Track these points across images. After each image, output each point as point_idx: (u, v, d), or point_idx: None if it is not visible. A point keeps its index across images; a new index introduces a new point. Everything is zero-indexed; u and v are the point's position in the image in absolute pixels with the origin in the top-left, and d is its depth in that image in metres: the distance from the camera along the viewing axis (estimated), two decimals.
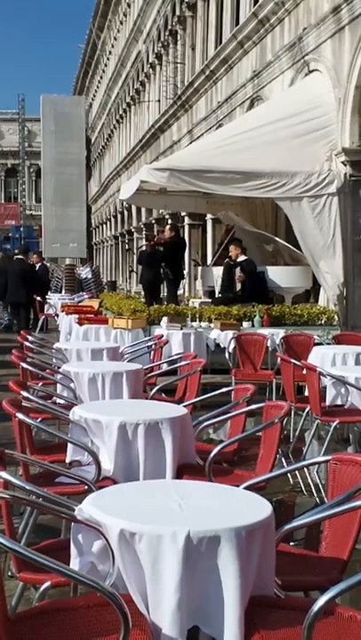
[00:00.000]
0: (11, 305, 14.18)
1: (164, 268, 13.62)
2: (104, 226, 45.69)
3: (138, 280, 16.81)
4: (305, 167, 11.03)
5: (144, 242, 14.61)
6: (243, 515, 2.62)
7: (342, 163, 11.18)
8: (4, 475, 2.85)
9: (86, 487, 3.54)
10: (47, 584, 2.75)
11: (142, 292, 15.21)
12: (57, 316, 16.66)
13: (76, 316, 11.57)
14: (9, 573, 2.97)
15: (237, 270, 11.58)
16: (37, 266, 19.98)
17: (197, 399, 5.50)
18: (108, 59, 43.76)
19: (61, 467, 4.00)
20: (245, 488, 3.14)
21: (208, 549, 2.43)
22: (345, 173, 11.13)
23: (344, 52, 11.43)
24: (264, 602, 2.58)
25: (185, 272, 16.08)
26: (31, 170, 63.93)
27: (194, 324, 10.49)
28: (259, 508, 2.68)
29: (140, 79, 32.37)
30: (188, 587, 2.41)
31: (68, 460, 4.23)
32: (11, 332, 14.96)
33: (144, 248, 14.88)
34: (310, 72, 12.84)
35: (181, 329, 9.84)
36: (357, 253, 11.30)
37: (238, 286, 11.55)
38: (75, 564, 2.67)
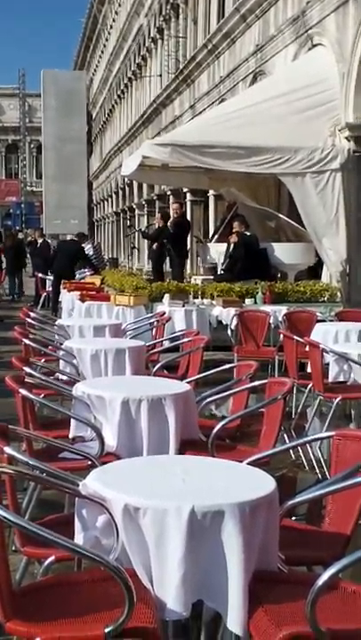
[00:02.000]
0: (57, 276, 15.80)
1: (167, 245, 13.62)
2: (105, 202, 45.49)
3: (148, 256, 17.27)
4: (308, 142, 10.95)
5: (158, 217, 14.91)
6: (246, 490, 2.62)
7: (346, 138, 11.09)
8: (9, 450, 2.86)
9: (90, 462, 3.55)
10: (51, 558, 2.77)
11: (146, 269, 15.27)
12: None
13: (79, 292, 11.55)
14: (13, 548, 2.98)
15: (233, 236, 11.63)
16: (39, 242, 19.99)
17: (200, 376, 5.49)
18: (109, 33, 43.32)
19: (65, 442, 4.01)
20: (249, 464, 3.15)
21: (212, 524, 2.43)
22: (348, 149, 11.05)
23: (348, 26, 11.29)
24: (268, 576, 2.59)
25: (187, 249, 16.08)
26: (32, 146, 63.53)
27: (196, 300, 10.47)
28: (262, 484, 2.68)
29: (141, 53, 32.07)
30: (192, 561, 2.42)
31: (71, 436, 4.23)
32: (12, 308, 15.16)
33: (156, 225, 14.96)
34: (314, 46, 12.70)
35: (184, 306, 9.82)
36: None
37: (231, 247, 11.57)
38: (79, 538, 2.69)
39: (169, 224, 13.62)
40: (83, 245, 16.98)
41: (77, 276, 16.16)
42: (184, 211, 13.80)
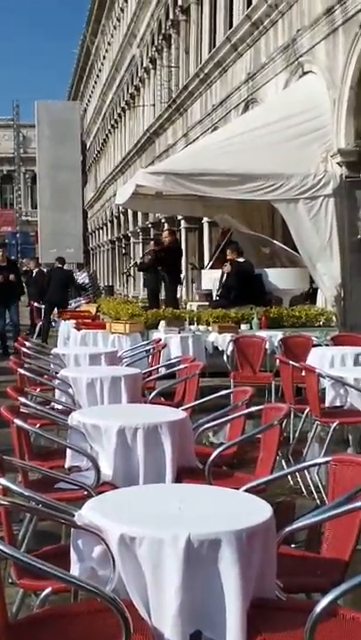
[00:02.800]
0: (49, 305, 16.60)
1: (161, 272, 13.66)
2: (100, 231, 45.69)
3: (144, 283, 17.50)
4: (301, 169, 11.03)
5: (152, 245, 14.98)
6: (243, 517, 2.60)
7: (338, 164, 11.18)
8: (3, 481, 2.84)
9: (86, 492, 3.53)
10: (48, 590, 2.74)
11: (141, 296, 15.31)
12: (54, 321, 16.67)
13: (74, 321, 11.56)
14: (9, 580, 2.95)
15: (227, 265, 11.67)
16: (34, 272, 19.99)
17: (196, 402, 5.48)
18: (102, 64, 43.80)
19: (60, 472, 3.99)
20: (246, 490, 3.13)
21: (209, 553, 2.41)
22: (341, 174, 11.14)
23: (338, 53, 11.44)
24: (266, 604, 2.56)
25: (182, 276, 16.11)
26: (27, 176, 63.94)
27: (192, 327, 10.47)
28: (259, 511, 2.66)
29: (134, 83, 32.40)
30: (189, 590, 2.40)
31: (67, 466, 4.21)
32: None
33: (151, 249, 15.03)
34: (305, 74, 12.86)
35: (179, 332, 9.82)
36: (354, 254, 11.30)
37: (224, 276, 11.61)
38: (75, 569, 2.66)
39: (158, 249, 13.67)
40: (68, 269, 17.27)
41: (72, 304, 16.20)
42: (176, 237, 13.85)
